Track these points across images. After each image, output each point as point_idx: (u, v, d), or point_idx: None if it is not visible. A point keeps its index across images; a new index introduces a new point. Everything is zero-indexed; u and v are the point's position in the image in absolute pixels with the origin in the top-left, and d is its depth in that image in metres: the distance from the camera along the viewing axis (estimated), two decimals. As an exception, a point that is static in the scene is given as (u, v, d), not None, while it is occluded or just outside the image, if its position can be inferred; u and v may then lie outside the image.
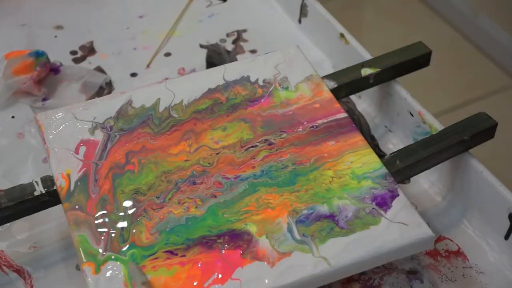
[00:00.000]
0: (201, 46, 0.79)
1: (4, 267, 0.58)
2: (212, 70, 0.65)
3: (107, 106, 0.61)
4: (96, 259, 0.51)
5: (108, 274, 0.50)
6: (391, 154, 0.59)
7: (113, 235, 0.53)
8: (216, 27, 0.82)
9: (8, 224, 0.59)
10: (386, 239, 0.52)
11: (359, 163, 0.56)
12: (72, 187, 0.55)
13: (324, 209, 0.54)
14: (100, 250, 0.52)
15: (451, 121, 0.62)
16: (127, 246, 0.52)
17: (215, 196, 0.55)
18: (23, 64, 0.71)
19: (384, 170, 0.56)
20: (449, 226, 0.61)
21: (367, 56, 0.69)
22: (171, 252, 0.52)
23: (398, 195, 0.54)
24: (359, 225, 0.53)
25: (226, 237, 0.52)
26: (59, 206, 0.56)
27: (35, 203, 0.56)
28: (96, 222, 0.53)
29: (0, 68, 0.71)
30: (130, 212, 0.54)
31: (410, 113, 0.66)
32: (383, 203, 0.54)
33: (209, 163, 0.57)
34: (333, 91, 0.63)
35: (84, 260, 0.51)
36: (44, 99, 0.72)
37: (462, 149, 0.60)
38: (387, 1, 1.65)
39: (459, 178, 0.62)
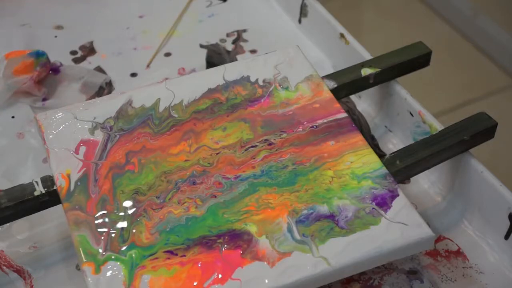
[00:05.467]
0: (201, 46, 0.79)
1: (4, 267, 0.58)
2: (212, 70, 0.65)
3: (107, 106, 0.61)
4: (96, 259, 0.51)
5: (108, 274, 0.50)
6: (391, 154, 0.59)
7: (113, 235, 0.52)
8: (216, 27, 0.82)
9: (8, 224, 0.59)
10: (386, 239, 0.52)
11: (359, 163, 0.56)
12: (72, 187, 0.55)
13: (324, 209, 0.54)
14: (100, 250, 0.52)
15: (451, 121, 0.62)
16: (127, 246, 0.52)
17: (215, 196, 0.55)
18: (23, 64, 0.71)
19: (384, 170, 0.56)
20: (449, 226, 0.61)
21: (367, 56, 0.69)
22: (171, 252, 0.52)
23: (398, 195, 0.54)
24: (359, 225, 0.53)
25: (226, 237, 0.52)
26: (59, 206, 0.56)
27: (35, 203, 0.56)
28: (96, 222, 0.53)
29: (0, 68, 0.71)
30: (130, 212, 0.54)
31: (410, 113, 0.66)
32: (383, 203, 0.54)
33: (209, 163, 0.57)
34: (333, 91, 0.63)
35: (84, 260, 0.51)
36: (44, 99, 0.72)
37: (462, 149, 0.60)
38: (387, 1, 1.66)
39: (459, 178, 0.62)
